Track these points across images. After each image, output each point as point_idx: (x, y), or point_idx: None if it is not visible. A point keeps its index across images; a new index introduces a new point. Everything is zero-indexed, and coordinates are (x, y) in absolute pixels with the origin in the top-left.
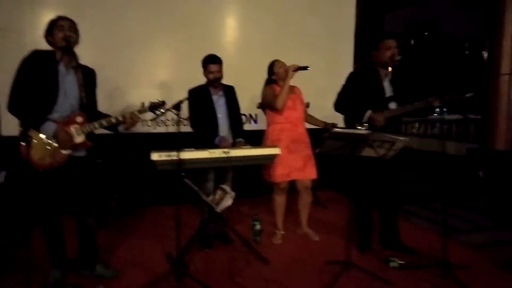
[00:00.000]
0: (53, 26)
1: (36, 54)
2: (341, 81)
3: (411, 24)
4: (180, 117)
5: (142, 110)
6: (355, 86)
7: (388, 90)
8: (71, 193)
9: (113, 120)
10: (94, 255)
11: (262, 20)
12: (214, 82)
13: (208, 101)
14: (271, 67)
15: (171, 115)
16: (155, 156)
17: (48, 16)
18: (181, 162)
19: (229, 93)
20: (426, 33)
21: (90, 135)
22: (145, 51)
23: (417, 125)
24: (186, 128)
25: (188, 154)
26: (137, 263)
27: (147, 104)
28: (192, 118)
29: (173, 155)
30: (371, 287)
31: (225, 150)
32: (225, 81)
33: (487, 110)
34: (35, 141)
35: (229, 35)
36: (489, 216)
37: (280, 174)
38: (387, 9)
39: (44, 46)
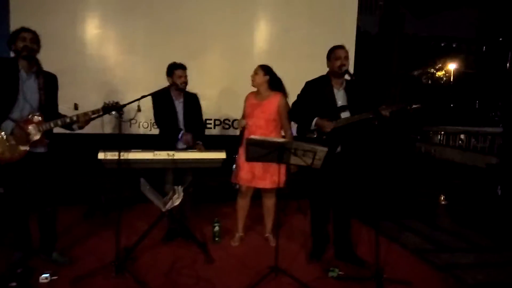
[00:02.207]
0: (16, 37)
1: (0, 61)
2: None
3: None
4: (122, 120)
5: (95, 111)
6: (308, 95)
7: (341, 100)
8: (32, 185)
9: (68, 120)
10: (51, 242)
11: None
12: (179, 87)
13: (171, 105)
14: None
15: (144, 117)
16: (101, 155)
17: None
18: (125, 162)
19: (190, 99)
20: None
21: (48, 133)
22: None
23: (462, 137)
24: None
25: (133, 155)
26: (97, 254)
27: (100, 105)
28: (156, 119)
29: (117, 155)
30: None
31: (170, 152)
32: (238, 85)
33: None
34: None
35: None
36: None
37: (244, 178)
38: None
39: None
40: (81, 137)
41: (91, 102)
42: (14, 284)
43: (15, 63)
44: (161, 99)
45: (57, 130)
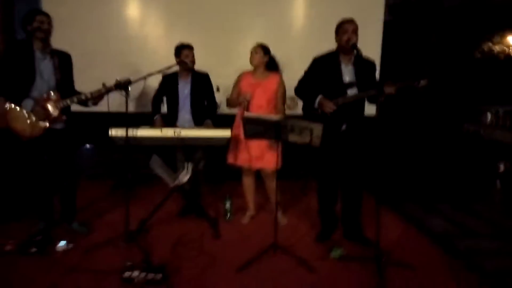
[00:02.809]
0: (32, 19)
1: (16, 44)
2: None
3: None
4: (128, 97)
5: (107, 88)
6: (315, 71)
7: (349, 76)
8: (51, 159)
9: (82, 97)
10: (71, 213)
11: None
12: (187, 66)
13: (174, 87)
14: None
15: None
16: (112, 132)
17: None
18: (134, 138)
19: (199, 79)
20: None
21: (66, 110)
22: None
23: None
24: None
25: (142, 132)
26: (114, 225)
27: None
28: (153, 98)
29: (128, 133)
30: (292, 270)
31: (176, 130)
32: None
33: None
34: (17, 115)
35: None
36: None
37: (242, 158)
38: None
39: None
40: (108, 115)
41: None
42: (34, 249)
43: (30, 45)
44: (167, 80)
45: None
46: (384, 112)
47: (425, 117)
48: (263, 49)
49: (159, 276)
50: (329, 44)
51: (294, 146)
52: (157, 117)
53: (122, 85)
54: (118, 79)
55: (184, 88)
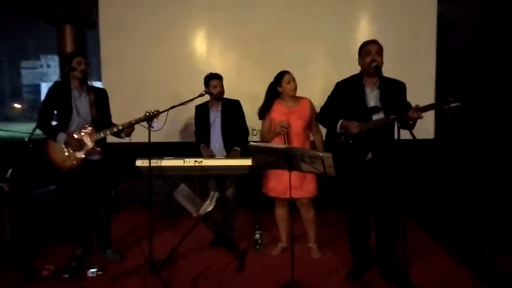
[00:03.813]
0: (71, 60)
1: (56, 84)
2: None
3: None
4: (152, 128)
5: (137, 120)
6: (338, 96)
7: (374, 100)
8: (88, 188)
9: (115, 129)
10: (106, 240)
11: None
12: (217, 96)
13: (206, 115)
14: (279, 78)
15: None
16: (138, 163)
17: None
18: (158, 168)
19: (229, 107)
20: None
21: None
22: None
23: None
24: None
25: (166, 162)
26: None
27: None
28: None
29: (153, 163)
30: None
31: (198, 159)
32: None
33: None
34: (57, 148)
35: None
36: None
37: (274, 189)
38: None
39: None
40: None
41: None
42: (66, 275)
43: (67, 84)
44: (199, 110)
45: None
46: (443, 134)
47: (492, 138)
48: (292, 75)
49: None
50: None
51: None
52: (203, 145)
53: (147, 117)
54: (147, 111)
55: (215, 117)
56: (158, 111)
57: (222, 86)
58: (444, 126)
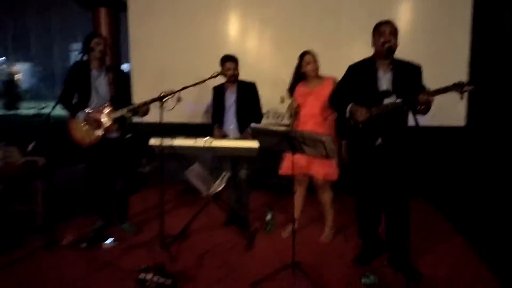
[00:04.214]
0: (91, 40)
1: (76, 64)
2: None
3: None
4: (163, 108)
5: (152, 99)
6: (350, 80)
7: (386, 84)
8: (106, 165)
9: (131, 108)
10: (123, 213)
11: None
12: (230, 78)
13: (221, 97)
14: (301, 59)
15: None
16: (152, 141)
17: None
18: (171, 147)
19: (244, 89)
20: None
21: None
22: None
23: None
24: None
25: (178, 142)
26: (164, 228)
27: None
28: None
29: (165, 142)
30: None
31: (208, 139)
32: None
33: None
34: (77, 126)
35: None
36: None
37: (284, 167)
38: None
39: None
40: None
41: (190, 95)
42: (84, 245)
43: (87, 64)
44: (216, 91)
45: None
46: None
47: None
48: (315, 55)
49: (169, 281)
50: None
51: None
52: (216, 125)
53: (159, 98)
54: (163, 91)
55: (230, 98)
56: (172, 91)
57: (236, 68)
58: (477, 113)
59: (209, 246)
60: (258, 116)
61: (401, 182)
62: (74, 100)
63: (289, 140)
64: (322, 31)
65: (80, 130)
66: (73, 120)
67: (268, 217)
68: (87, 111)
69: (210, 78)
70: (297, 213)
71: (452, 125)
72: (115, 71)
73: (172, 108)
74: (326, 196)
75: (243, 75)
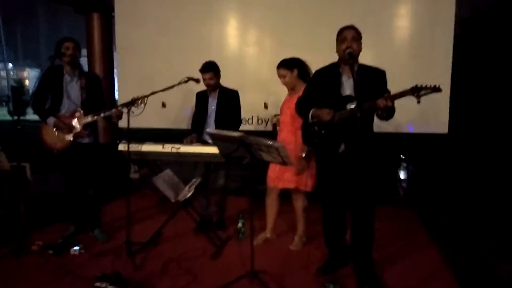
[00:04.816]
0: (61, 46)
1: (50, 69)
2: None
3: None
4: (131, 114)
5: (123, 105)
6: (315, 85)
7: (350, 89)
8: (78, 170)
9: (102, 114)
10: (95, 220)
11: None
12: (208, 87)
13: (204, 103)
14: None
15: None
16: (121, 147)
17: None
18: (139, 153)
19: (225, 96)
20: None
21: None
22: None
23: None
24: None
25: (146, 147)
26: (136, 236)
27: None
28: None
29: (133, 147)
30: None
31: (175, 146)
32: None
33: None
34: (48, 131)
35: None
36: None
37: (269, 176)
38: None
39: None
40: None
41: (177, 101)
42: (50, 251)
43: (60, 69)
44: (199, 97)
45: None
46: (458, 128)
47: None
48: (286, 66)
49: None
50: None
51: None
52: (193, 135)
53: (128, 103)
54: (134, 96)
55: (212, 105)
56: (141, 96)
57: (211, 78)
58: (460, 120)
59: (176, 253)
60: (236, 123)
61: (365, 190)
62: (48, 105)
63: (245, 146)
64: (307, 36)
65: (51, 135)
66: (44, 125)
67: (239, 224)
68: (58, 116)
69: (179, 84)
70: (269, 221)
71: (435, 132)
72: (88, 76)
73: (139, 113)
74: (299, 204)
75: (227, 80)
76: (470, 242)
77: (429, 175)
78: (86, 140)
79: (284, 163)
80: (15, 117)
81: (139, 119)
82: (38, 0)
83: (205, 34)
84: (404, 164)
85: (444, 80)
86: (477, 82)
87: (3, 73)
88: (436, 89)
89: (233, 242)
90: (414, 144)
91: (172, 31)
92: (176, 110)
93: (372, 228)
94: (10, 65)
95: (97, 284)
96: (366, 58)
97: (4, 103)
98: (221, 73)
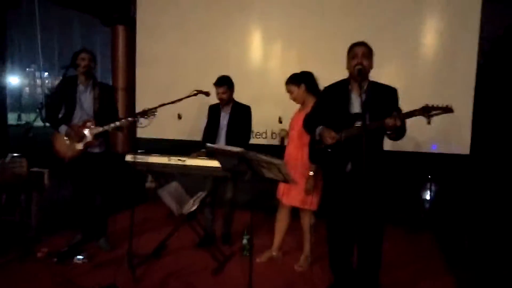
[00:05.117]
0: (77, 56)
1: (65, 79)
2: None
3: None
4: (138, 125)
5: (130, 116)
6: (324, 102)
7: (358, 106)
8: (86, 179)
9: (112, 125)
10: (101, 230)
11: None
12: (221, 102)
13: (217, 116)
14: None
15: None
16: (128, 157)
17: None
18: (145, 164)
19: (238, 111)
20: None
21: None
22: None
23: None
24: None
25: (152, 159)
26: (140, 247)
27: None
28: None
29: (140, 159)
30: None
31: (181, 158)
32: None
33: None
34: (60, 140)
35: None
36: None
37: (279, 190)
38: None
39: None
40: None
41: (192, 112)
42: (55, 259)
43: (75, 79)
44: (211, 110)
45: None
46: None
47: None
48: (293, 82)
49: None
50: None
51: None
52: (202, 150)
53: (137, 114)
54: (144, 108)
55: (224, 119)
56: (150, 109)
57: (224, 92)
58: (482, 142)
59: (178, 267)
60: (245, 138)
61: (373, 212)
62: (61, 114)
63: (246, 162)
64: (327, 50)
65: (63, 144)
66: (56, 134)
67: (244, 241)
68: (71, 125)
69: (188, 97)
70: (277, 238)
71: (457, 152)
72: (101, 87)
73: (147, 125)
74: (305, 222)
75: (242, 94)
76: (491, 271)
77: (450, 197)
78: (96, 150)
79: (286, 181)
80: (47, 124)
81: (156, 130)
82: (74, 12)
83: (222, 48)
84: (428, 185)
85: (466, 100)
86: (502, 104)
87: (39, 81)
88: (447, 110)
89: (236, 259)
90: (437, 164)
91: (192, 44)
92: (191, 122)
93: (380, 252)
94: (46, 73)
95: None
96: (388, 74)
97: (37, 110)
98: (237, 87)
